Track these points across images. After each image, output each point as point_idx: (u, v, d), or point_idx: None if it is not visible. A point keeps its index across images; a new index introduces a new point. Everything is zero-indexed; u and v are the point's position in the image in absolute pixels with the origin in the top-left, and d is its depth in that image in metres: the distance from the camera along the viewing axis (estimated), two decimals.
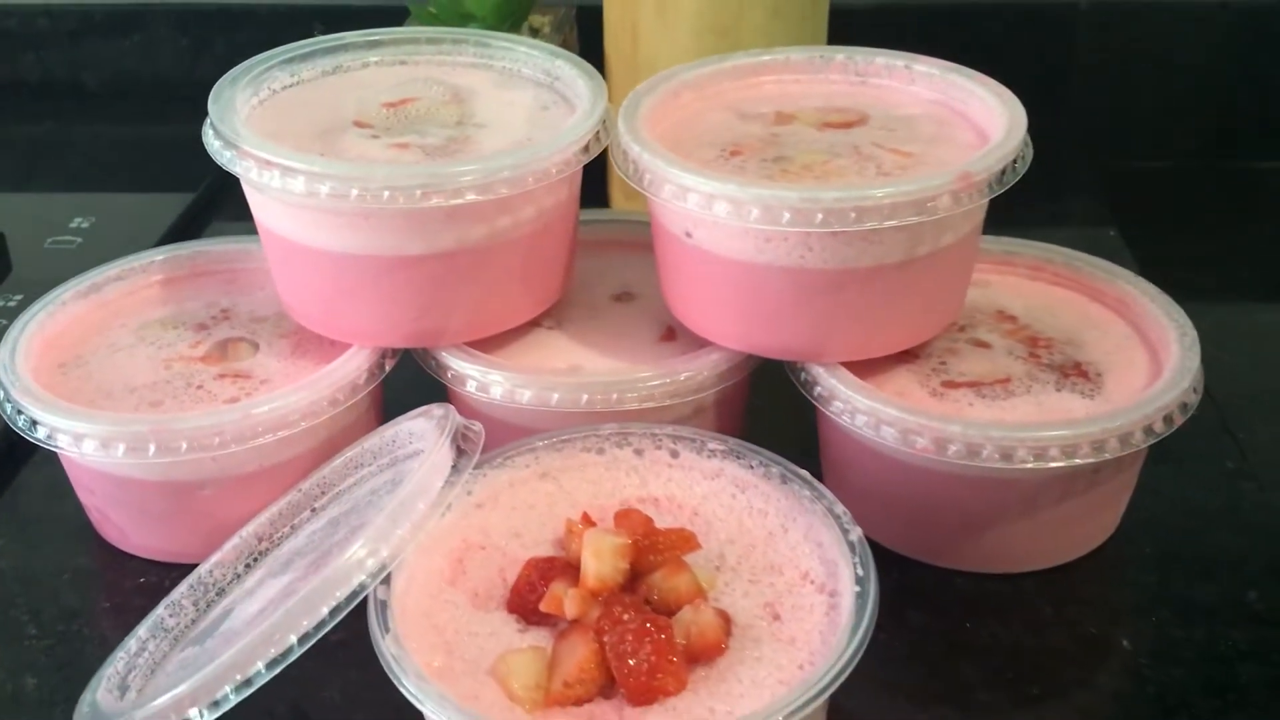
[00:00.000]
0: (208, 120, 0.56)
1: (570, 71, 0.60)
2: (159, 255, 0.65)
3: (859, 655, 0.42)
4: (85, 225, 0.83)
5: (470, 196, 0.52)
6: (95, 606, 0.57)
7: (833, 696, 0.48)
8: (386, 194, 0.51)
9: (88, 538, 0.60)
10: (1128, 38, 0.93)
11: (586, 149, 0.55)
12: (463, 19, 0.77)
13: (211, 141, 0.55)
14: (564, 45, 0.85)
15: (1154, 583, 0.57)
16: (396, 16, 0.81)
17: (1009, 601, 0.55)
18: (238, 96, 0.57)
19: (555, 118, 0.59)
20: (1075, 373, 0.57)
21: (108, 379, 0.58)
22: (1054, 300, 0.62)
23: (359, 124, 0.58)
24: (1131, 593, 0.56)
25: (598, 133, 0.56)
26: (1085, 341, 0.59)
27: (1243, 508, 0.60)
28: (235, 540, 0.55)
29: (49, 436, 0.54)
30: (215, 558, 0.54)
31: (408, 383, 0.60)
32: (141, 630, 0.52)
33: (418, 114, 0.60)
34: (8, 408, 0.55)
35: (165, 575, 0.56)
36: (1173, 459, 0.62)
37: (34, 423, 0.54)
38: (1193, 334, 0.57)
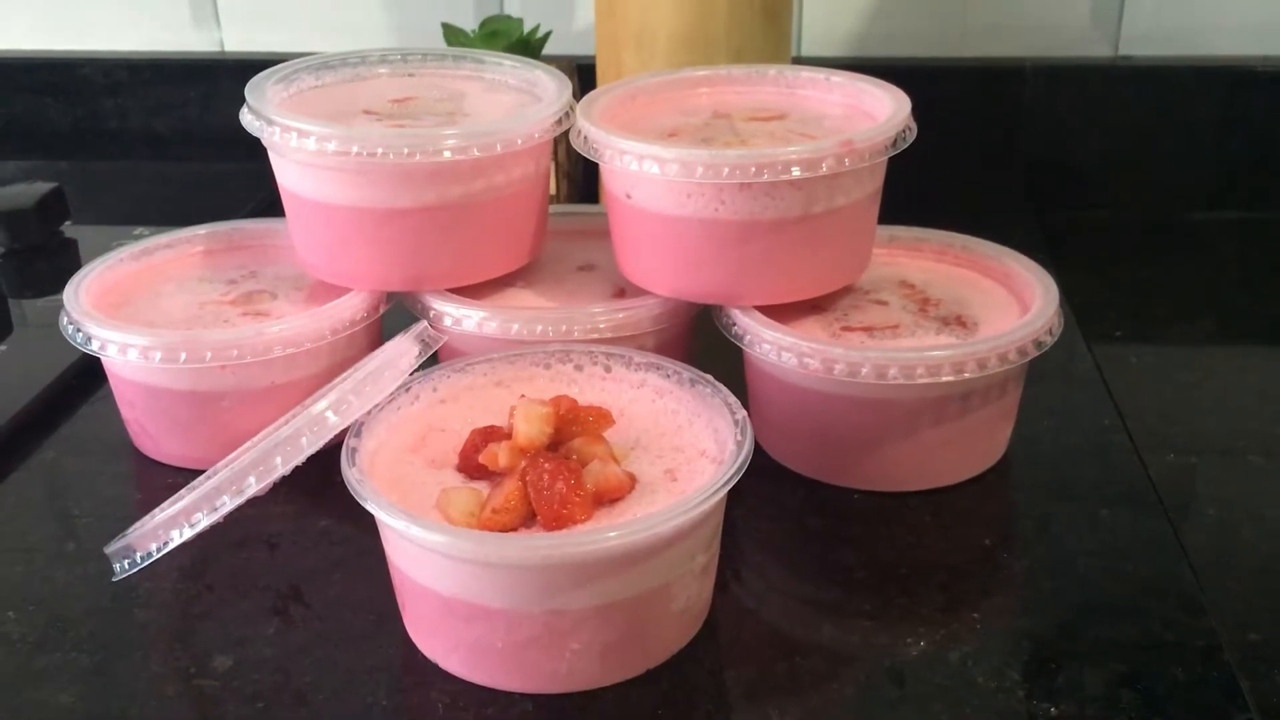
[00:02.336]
0: (245, 103, 0.69)
1: (545, 79, 0.73)
2: (202, 230, 0.77)
3: (727, 486, 0.52)
4: (146, 233, 0.96)
5: (447, 155, 0.64)
6: (129, 498, 0.68)
7: (734, 574, 0.58)
8: (380, 151, 0.63)
9: (127, 453, 0.71)
10: (1068, 96, 1.05)
11: (548, 128, 0.67)
12: None
13: (245, 115, 0.67)
14: None
15: (1022, 500, 0.66)
16: None
17: (895, 511, 0.64)
18: (270, 88, 0.70)
19: (528, 110, 0.71)
20: (955, 322, 0.67)
21: (151, 316, 0.70)
22: (952, 275, 0.72)
23: (367, 112, 0.71)
24: (1000, 507, 0.66)
25: (559, 118, 0.68)
26: (970, 302, 0.69)
27: (1110, 453, 0.69)
28: (247, 445, 0.66)
29: (100, 348, 0.65)
30: (230, 457, 0.66)
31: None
32: (165, 504, 0.63)
33: (418, 108, 0.72)
34: (70, 328, 0.67)
35: (189, 479, 0.67)
36: (1057, 416, 0.72)
37: (89, 338, 0.66)
38: (1054, 291, 0.67)
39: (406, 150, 0.63)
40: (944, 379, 0.61)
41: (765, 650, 0.56)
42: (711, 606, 0.58)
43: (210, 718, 0.53)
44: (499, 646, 0.52)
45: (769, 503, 0.66)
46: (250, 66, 0.74)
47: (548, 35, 0.97)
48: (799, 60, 1.06)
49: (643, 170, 0.63)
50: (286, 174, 0.68)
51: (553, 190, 0.95)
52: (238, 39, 1.14)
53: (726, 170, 0.61)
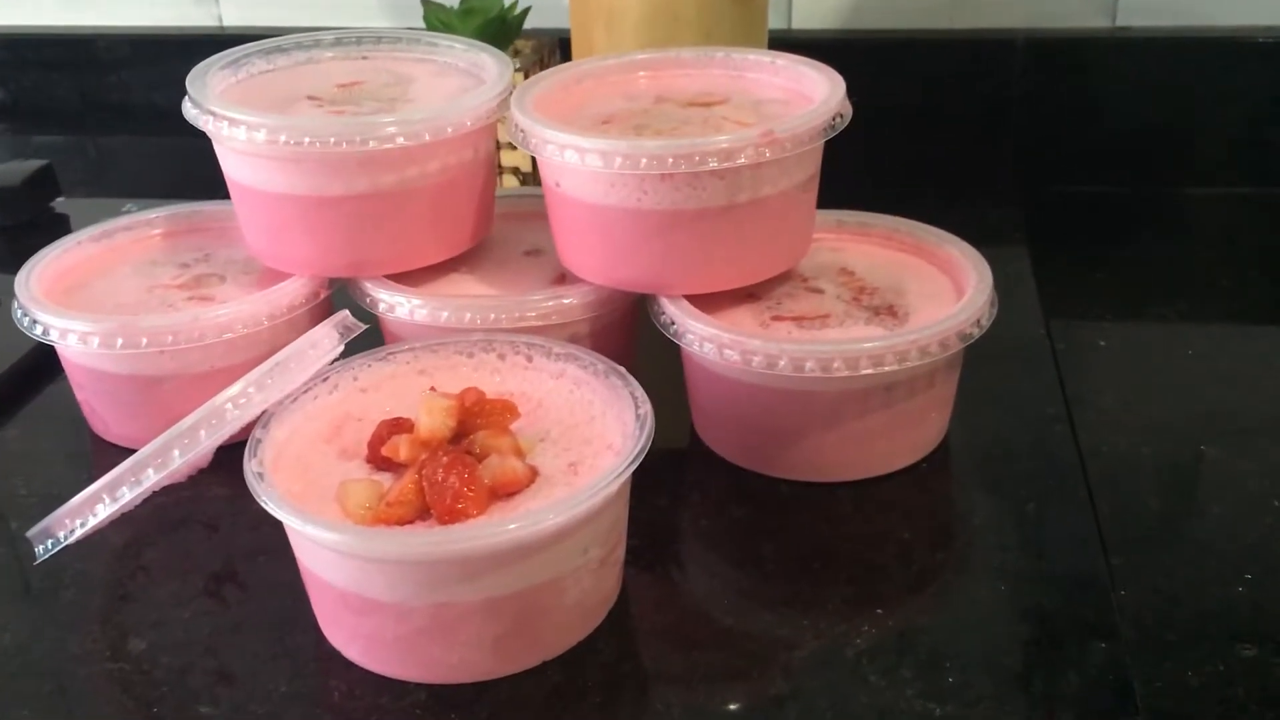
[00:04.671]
0: (187, 94, 0.70)
1: (489, 61, 0.73)
2: (163, 212, 0.79)
3: (616, 483, 0.52)
4: (134, 208, 0.98)
5: (372, 145, 0.64)
6: (77, 478, 0.69)
7: (654, 560, 0.59)
8: (307, 140, 0.64)
9: (82, 433, 0.73)
10: (1063, 69, 1.02)
11: (481, 115, 0.67)
12: None
13: (185, 105, 0.69)
14: (542, 66, 0.98)
15: (947, 492, 0.66)
16: None
17: (819, 501, 0.64)
18: (213, 76, 0.71)
19: (464, 98, 0.71)
20: (886, 312, 0.66)
21: (102, 300, 0.71)
22: (894, 261, 0.72)
23: (311, 98, 0.72)
24: (927, 499, 0.65)
25: (498, 104, 0.68)
26: (907, 290, 0.68)
27: (1049, 444, 0.68)
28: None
29: (44, 333, 0.67)
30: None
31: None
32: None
33: (363, 93, 0.73)
34: (19, 314, 0.69)
35: None
36: (1002, 405, 0.71)
37: (34, 322, 0.68)
38: (988, 281, 0.66)
39: (333, 140, 0.64)
40: (863, 372, 0.60)
41: (664, 643, 0.56)
42: (623, 594, 0.58)
43: (115, 701, 0.54)
44: (390, 638, 0.53)
45: (696, 490, 0.66)
46: (248, 41, 0.75)
47: (526, 11, 0.96)
48: (788, 36, 1.05)
49: (565, 160, 0.63)
50: (228, 161, 0.69)
51: (529, 168, 0.95)
52: (236, 15, 1.15)
53: (644, 161, 0.61)
